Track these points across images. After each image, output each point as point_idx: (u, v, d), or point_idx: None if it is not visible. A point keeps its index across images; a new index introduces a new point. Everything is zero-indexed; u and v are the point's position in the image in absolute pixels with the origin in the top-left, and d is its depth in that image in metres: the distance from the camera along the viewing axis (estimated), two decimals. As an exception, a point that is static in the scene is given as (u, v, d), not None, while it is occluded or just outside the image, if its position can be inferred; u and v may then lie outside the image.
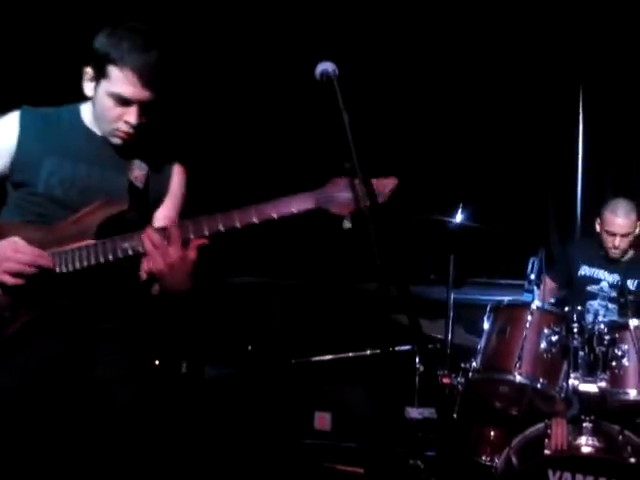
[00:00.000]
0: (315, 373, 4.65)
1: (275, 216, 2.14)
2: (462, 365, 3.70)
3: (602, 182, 5.45)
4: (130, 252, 2.17)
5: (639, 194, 5.40)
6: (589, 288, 4.13)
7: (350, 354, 4.54)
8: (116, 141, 2.31)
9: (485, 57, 5.37)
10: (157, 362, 4.22)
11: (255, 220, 2.14)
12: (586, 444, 3.29)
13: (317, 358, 4.57)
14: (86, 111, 2.38)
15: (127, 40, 2.21)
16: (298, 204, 2.15)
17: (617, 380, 3.41)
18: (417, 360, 4.08)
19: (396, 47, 5.31)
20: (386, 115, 5.32)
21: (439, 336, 3.93)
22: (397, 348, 4.31)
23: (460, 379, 3.69)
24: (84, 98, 2.37)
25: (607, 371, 3.37)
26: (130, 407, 2.35)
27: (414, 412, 4.18)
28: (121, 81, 2.21)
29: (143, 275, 2.29)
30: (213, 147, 5.14)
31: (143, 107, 2.25)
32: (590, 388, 3.34)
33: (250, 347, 5.29)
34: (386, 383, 4.45)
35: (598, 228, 4.17)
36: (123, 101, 2.23)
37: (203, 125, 5.16)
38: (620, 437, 3.34)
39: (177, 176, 2.46)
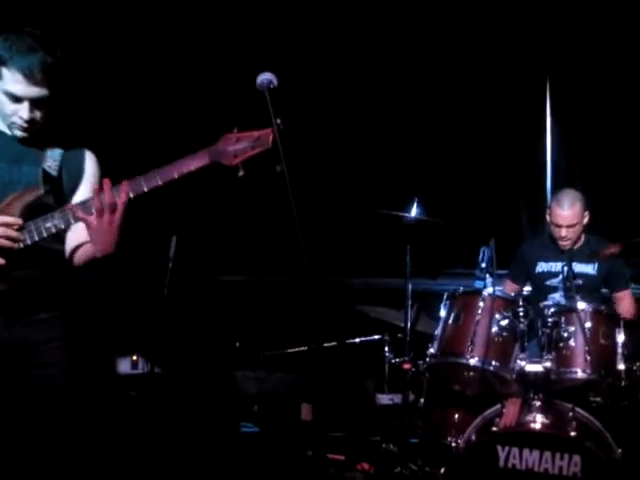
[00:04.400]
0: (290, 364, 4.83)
1: (176, 175, 2.37)
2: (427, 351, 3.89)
3: (571, 173, 5.60)
4: (53, 230, 2.42)
5: (606, 184, 5.59)
6: (548, 282, 4.16)
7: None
8: (18, 133, 2.53)
9: (450, 47, 5.43)
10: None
11: (160, 182, 2.38)
12: (534, 421, 3.45)
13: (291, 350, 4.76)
14: None
15: (16, 43, 2.45)
16: (195, 162, 2.39)
17: (564, 360, 3.57)
18: (386, 349, 4.30)
19: (357, 36, 5.39)
20: (347, 110, 5.44)
21: (402, 325, 4.11)
22: (367, 338, 4.57)
23: (424, 365, 3.87)
24: None
25: (553, 352, 3.54)
26: (72, 393, 2.57)
27: (384, 399, 4.40)
28: (11, 80, 2.44)
29: (68, 249, 2.57)
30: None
31: (35, 103, 2.47)
32: (536, 368, 3.50)
33: (238, 344, 5.48)
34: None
35: (548, 219, 4.18)
36: (15, 98, 2.46)
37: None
38: (570, 414, 3.49)
39: (89, 162, 2.69)
